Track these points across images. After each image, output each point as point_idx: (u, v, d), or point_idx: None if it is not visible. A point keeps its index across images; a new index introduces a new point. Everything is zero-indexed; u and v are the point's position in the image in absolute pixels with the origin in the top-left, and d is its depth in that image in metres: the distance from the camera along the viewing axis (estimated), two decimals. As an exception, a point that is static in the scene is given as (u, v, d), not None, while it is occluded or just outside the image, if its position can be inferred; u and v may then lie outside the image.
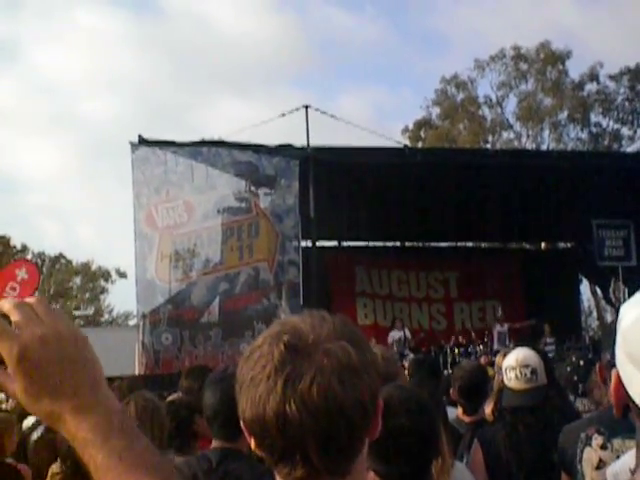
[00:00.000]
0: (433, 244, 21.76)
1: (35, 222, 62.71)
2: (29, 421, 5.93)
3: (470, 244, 22.95)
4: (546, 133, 35.24)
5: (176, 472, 1.04)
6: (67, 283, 39.17)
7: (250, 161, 14.23)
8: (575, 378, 3.78)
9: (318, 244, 15.45)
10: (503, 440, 3.28)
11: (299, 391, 1.01)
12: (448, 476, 2.16)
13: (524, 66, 35.18)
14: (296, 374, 1.02)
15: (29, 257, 34.36)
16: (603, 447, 2.64)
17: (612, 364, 1.10)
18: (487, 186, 15.73)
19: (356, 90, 67.03)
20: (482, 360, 10.97)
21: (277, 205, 14.15)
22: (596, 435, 2.67)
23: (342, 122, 15.72)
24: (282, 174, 14.13)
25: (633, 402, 1.05)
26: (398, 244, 21.19)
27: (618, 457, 2.43)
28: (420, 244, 21.71)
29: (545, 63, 34.48)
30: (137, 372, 13.01)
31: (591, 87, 34.28)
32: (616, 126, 34.20)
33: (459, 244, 22.26)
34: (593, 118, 34.45)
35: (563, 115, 34.58)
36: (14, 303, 0.94)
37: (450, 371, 10.54)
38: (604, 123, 34.44)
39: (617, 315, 1.09)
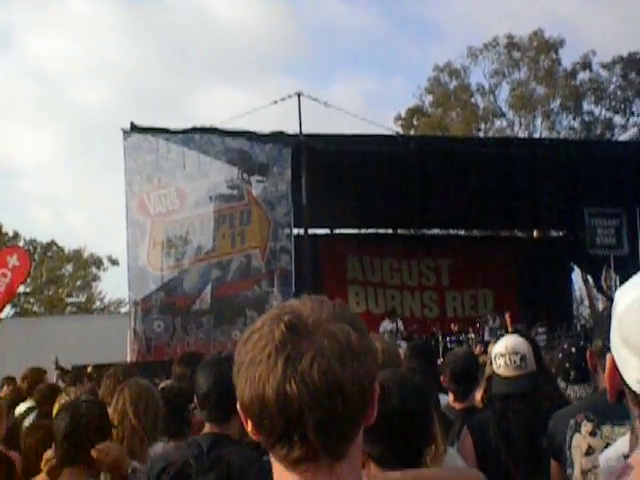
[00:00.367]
0: (425, 232, 21.82)
1: (27, 209, 62.29)
2: (21, 408, 5.93)
3: (462, 232, 22.96)
4: (539, 121, 35.29)
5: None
6: (59, 270, 38.99)
7: (242, 148, 14.17)
8: (567, 365, 3.79)
9: (310, 231, 15.41)
10: (493, 427, 3.30)
11: (299, 371, 1.01)
12: (441, 462, 2.17)
13: (517, 54, 35.11)
14: (297, 354, 1.02)
15: (21, 244, 34.18)
16: (592, 434, 2.65)
17: (604, 351, 1.10)
18: (479, 174, 15.71)
19: (349, 78, 66.93)
20: (477, 349, 10.98)
21: (269, 192, 14.10)
22: (585, 422, 2.67)
23: (335, 109, 15.62)
24: (274, 161, 14.08)
25: (628, 387, 1.05)
26: (390, 232, 21.22)
27: (608, 444, 2.43)
28: (412, 232, 21.78)
29: (538, 51, 34.42)
30: (129, 359, 13.00)
31: (584, 76, 34.30)
32: (608, 114, 34.25)
33: (451, 232, 22.34)
34: (585, 106, 34.50)
35: (555, 103, 34.59)
36: None
37: (442, 359, 10.55)
38: (596, 111, 34.49)
39: (609, 303, 1.10)
